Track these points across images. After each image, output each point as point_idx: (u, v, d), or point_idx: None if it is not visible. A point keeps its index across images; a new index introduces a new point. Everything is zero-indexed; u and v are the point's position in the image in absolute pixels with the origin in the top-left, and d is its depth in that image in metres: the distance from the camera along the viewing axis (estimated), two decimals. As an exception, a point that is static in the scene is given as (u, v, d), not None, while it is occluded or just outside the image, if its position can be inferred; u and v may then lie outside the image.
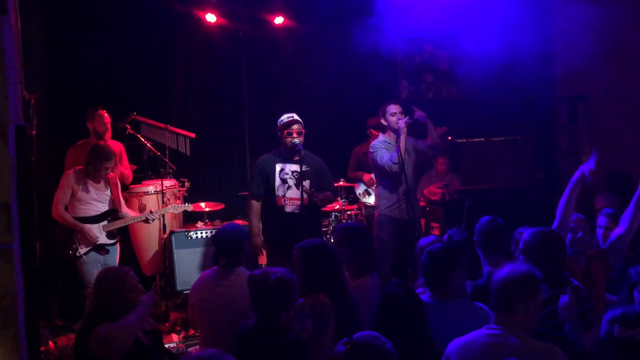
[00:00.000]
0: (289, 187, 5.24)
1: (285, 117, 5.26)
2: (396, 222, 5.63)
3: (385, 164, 5.51)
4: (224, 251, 4.02)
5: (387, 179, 5.68)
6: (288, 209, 5.24)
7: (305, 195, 5.14)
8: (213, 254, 4.10)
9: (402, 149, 5.44)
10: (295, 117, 5.26)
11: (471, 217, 5.60)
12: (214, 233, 5.49)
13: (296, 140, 5.16)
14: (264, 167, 5.29)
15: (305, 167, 5.22)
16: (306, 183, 5.20)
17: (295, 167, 5.24)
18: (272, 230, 5.29)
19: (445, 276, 3.45)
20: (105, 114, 6.07)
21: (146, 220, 5.72)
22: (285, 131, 5.20)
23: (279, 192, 5.23)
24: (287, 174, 5.24)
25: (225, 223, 6.44)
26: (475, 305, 3.44)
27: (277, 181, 5.25)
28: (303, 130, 5.25)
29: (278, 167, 5.26)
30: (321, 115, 8.14)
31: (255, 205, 5.30)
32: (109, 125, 6.06)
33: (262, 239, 5.29)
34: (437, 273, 3.47)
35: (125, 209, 5.71)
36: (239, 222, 6.24)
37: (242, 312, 3.64)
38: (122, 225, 5.61)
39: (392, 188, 5.64)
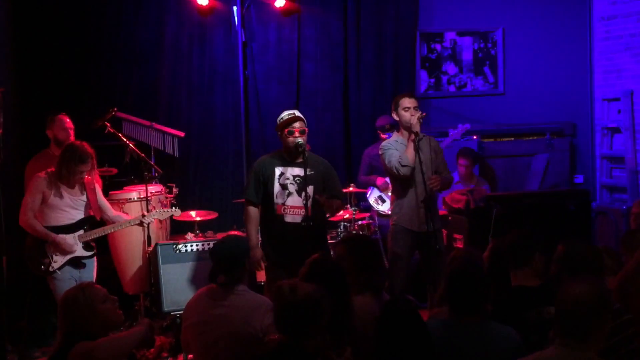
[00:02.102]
0: (290, 193, 5.17)
1: (285, 114, 5.22)
2: (412, 234, 5.56)
3: (393, 165, 5.46)
4: (222, 267, 3.96)
5: (399, 184, 5.61)
6: (288, 218, 5.17)
7: (309, 204, 5.07)
8: (210, 270, 4.05)
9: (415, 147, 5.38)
10: (297, 113, 5.21)
11: (500, 227, 5.56)
12: (211, 246, 5.43)
13: (299, 140, 5.10)
14: (261, 170, 5.24)
15: (310, 171, 5.15)
16: (310, 189, 5.14)
17: (298, 171, 5.18)
18: (270, 243, 5.24)
19: (471, 298, 3.44)
20: (66, 118, 6.05)
21: (140, 224, 5.78)
22: (286, 130, 5.15)
23: (278, 200, 5.17)
24: (288, 178, 5.18)
25: (219, 235, 6.44)
26: (499, 327, 3.43)
27: (276, 187, 5.18)
28: (306, 129, 5.19)
29: (278, 170, 5.20)
30: (329, 111, 8.07)
31: (253, 213, 5.25)
32: (70, 131, 6.04)
33: (262, 251, 5.24)
34: (461, 294, 3.45)
35: (114, 212, 5.72)
36: (235, 233, 6.20)
37: (242, 336, 3.63)
38: (100, 234, 5.58)
39: (406, 194, 5.56)
